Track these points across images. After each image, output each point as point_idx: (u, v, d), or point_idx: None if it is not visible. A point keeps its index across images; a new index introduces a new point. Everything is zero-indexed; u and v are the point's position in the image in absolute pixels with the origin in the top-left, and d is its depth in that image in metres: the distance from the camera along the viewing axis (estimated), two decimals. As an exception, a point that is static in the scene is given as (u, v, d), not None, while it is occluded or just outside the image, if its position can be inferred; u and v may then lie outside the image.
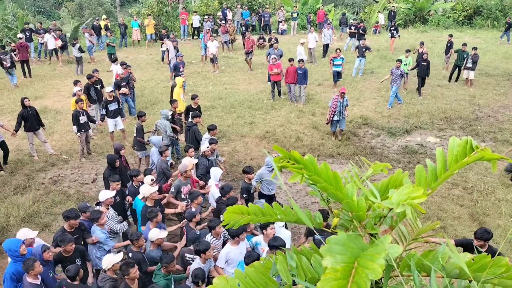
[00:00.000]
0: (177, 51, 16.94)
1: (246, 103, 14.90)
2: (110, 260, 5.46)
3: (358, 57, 17.57)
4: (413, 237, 2.20)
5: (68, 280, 5.34)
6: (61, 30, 20.89)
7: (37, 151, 11.09)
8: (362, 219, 1.82)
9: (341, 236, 1.51)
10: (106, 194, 6.96)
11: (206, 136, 9.57)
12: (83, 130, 10.62)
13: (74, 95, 11.52)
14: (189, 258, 6.12)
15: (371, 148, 11.88)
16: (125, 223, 7.14)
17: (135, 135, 10.01)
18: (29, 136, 10.74)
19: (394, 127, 13.09)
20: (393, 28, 21.58)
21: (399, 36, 21.88)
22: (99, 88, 12.43)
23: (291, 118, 13.66)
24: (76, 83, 12.21)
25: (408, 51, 15.65)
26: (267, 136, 12.45)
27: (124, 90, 12.70)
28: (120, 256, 5.55)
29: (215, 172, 8.25)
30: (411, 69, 15.49)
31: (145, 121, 10.18)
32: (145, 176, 7.57)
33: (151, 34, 23.22)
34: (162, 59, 20.17)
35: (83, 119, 10.52)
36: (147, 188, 7.02)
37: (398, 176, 2.18)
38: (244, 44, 18.95)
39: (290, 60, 14.56)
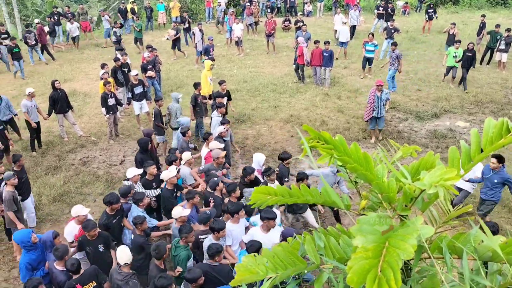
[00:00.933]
0: (203, 34, 16.93)
1: (270, 86, 14.84)
2: (127, 255, 5.43)
3: (386, 39, 17.16)
4: (444, 220, 2.17)
5: (55, 264, 5.52)
6: (87, 13, 21.18)
7: (67, 133, 11.38)
8: (393, 200, 1.80)
9: (372, 216, 1.50)
10: (134, 171, 7.24)
11: (214, 114, 9.85)
12: (111, 112, 10.82)
13: (101, 78, 11.71)
14: (202, 239, 6.12)
15: (398, 132, 11.69)
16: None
17: (153, 119, 10.16)
18: (59, 118, 11.01)
19: (422, 110, 12.82)
20: (431, 10, 20.73)
21: (436, 17, 21.08)
22: (126, 72, 12.58)
23: (316, 101, 13.54)
24: (103, 66, 12.39)
25: (458, 41, 14.53)
26: (292, 119, 12.40)
27: (150, 73, 12.82)
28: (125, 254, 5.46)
29: (258, 158, 8.15)
30: (458, 61, 14.18)
31: (162, 106, 10.24)
32: (168, 163, 7.68)
33: (176, 17, 23.24)
34: (186, 42, 20.21)
35: (111, 101, 10.71)
36: (166, 173, 7.16)
37: (429, 158, 2.14)
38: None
39: (316, 42, 14.36)
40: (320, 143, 1.84)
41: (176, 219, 6.29)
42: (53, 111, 10.81)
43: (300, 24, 18.49)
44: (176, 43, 17.84)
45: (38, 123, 10.59)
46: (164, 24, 24.05)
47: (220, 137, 8.74)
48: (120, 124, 11.88)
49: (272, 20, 18.49)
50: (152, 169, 7.34)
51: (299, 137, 11.54)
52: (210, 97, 11.63)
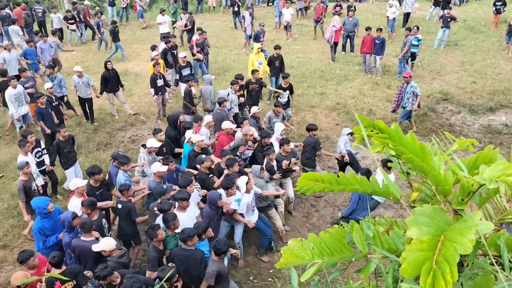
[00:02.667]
0: (253, 18, 16.88)
1: (318, 73, 14.64)
2: (108, 244, 5.47)
3: (441, 27, 16.40)
4: (500, 217, 2.08)
5: (83, 237, 5.68)
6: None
7: (117, 111, 11.79)
8: (448, 193, 1.74)
9: (427, 208, 1.47)
10: (153, 143, 7.67)
11: (222, 92, 9.90)
12: (159, 93, 11.09)
13: (152, 59, 11.98)
14: (156, 212, 6.34)
15: (449, 125, 11.25)
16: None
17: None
18: (110, 96, 11.42)
19: (476, 104, 12.25)
20: (499, 2, 18.97)
21: (504, 11, 19.54)
22: (175, 54, 12.80)
23: (364, 90, 13.24)
24: (154, 47, 12.66)
25: None
26: (338, 107, 12.21)
27: (198, 56, 12.98)
28: (113, 242, 5.51)
29: (278, 127, 8.61)
30: None
31: (193, 86, 10.42)
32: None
33: (226, 0, 23.29)
34: (235, 26, 20.25)
35: (160, 82, 10.96)
36: (195, 136, 7.58)
37: (489, 152, 2.05)
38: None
39: (367, 29, 13.98)
40: (374, 132, 1.80)
41: (154, 173, 6.79)
42: (105, 90, 11.21)
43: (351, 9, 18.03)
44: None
45: (90, 100, 11.08)
46: (214, 7, 24.19)
47: (254, 117, 9.10)
48: (167, 105, 12.15)
49: (321, 5, 18.15)
50: (160, 136, 7.90)
51: (344, 125, 11.37)
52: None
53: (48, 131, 9.14)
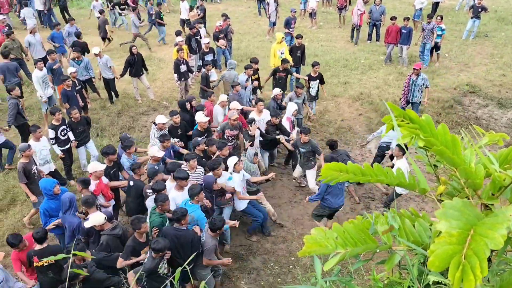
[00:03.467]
0: (277, 5, 16.71)
1: (342, 62, 14.46)
2: (98, 219, 5.66)
3: (471, 18, 15.91)
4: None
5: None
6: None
7: (141, 96, 11.91)
8: (478, 187, 1.71)
9: (457, 201, 1.44)
10: (161, 119, 7.97)
11: (242, 77, 9.96)
12: (182, 79, 11.14)
13: (176, 44, 12.02)
14: (149, 193, 6.50)
15: (476, 118, 11.00)
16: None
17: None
18: (134, 81, 11.54)
19: (505, 97, 11.91)
20: None
21: None
22: (199, 39, 12.81)
23: (389, 80, 13.02)
24: (179, 33, 12.69)
25: None
26: (361, 97, 12.06)
27: (221, 42, 12.95)
28: (102, 216, 5.69)
29: (290, 107, 8.82)
30: None
31: (210, 70, 10.54)
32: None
33: (250, -14, 23.12)
34: (259, 13, 20.10)
35: (183, 68, 11.00)
36: (199, 116, 7.94)
37: (521, 147, 1.99)
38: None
39: (392, 18, 13.67)
40: (404, 122, 1.77)
41: (151, 157, 7.01)
42: (126, 74, 11.32)
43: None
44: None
45: (112, 80, 11.33)
46: (238, -7, 24.03)
47: (274, 100, 9.18)
48: (190, 91, 12.20)
49: (346, -8, 17.84)
50: (176, 118, 8.10)
51: (367, 115, 11.25)
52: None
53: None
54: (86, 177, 6.61)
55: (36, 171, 7.20)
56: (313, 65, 10.40)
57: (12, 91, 8.79)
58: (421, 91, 10.04)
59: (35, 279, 5.72)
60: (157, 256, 5.09)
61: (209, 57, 11.68)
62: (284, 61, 10.55)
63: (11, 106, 8.72)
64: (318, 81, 10.37)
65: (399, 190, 7.26)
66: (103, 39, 15.52)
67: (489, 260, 1.74)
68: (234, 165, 6.79)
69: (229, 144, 7.80)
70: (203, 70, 11.14)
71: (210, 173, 6.68)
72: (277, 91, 9.19)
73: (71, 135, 8.37)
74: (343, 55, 15.03)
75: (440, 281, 1.59)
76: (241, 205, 7.01)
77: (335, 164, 2.45)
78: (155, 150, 7.07)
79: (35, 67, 9.98)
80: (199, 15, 16.36)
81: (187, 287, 5.89)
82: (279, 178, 8.98)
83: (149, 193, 6.47)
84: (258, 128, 8.32)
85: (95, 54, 11.06)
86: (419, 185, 2.35)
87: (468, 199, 1.86)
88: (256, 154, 7.53)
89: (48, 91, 10.18)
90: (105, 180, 6.84)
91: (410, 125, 1.74)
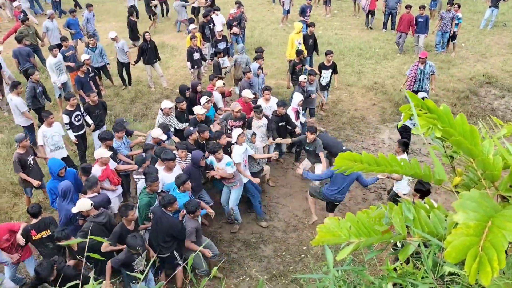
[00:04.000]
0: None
1: (356, 51, 14.29)
2: (83, 205, 5.72)
3: (490, 6, 15.55)
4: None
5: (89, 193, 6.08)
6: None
7: (154, 83, 11.94)
8: (496, 179, 1.68)
9: (474, 193, 1.42)
10: (167, 104, 8.08)
11: (254, 65, 9.93)
12: (195, 67, 11.13)
13: (189, 32, 11.99)
14: (136, 179, 6.74)
15: (491, 110, 10.82)
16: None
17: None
18: (147, 68, 11.57)
19: (523, 88, 11.69)
20: None
21: None
22: (212, 27, 12.76)
23: (404, 69, 12.83)
24: (192, 21, 12.65)
25: None
26: (375, 87, 11.93)
27: (235, 29, 12.88)
28: (89, 203, 5.73)
29: (295, 97, 8.81)
30: None
31: (221, 57, 10.62)
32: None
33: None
34: (273, 0, 19.93)
35: (196, 56, 10.99)
36: (197, 108, 7.94)
37: (541, 139, 1.95)
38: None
39: (407, 7, 13.42)
40: (422, 111, 1.74)
41: (152, 137, 7.31)
42: (141, 60, 11.37)
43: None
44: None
45: (127, 64, 11.46)
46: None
47: (300, 86, 9.16)
48: (202, 79, 12.20)
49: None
50: (182, 105, 8.24)
51: (381, 105, 11.14)
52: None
53: (87, 99, 9.39)
54: (87, 163, 6.71)
55: (32, 162, 7.26)
56: (326, 54, 10.26)
57: (32, 75, 8.92)
58: (429, 79, 9.88)
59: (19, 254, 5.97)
60: (133, 251, 5.16)
61: (222, 45, 11.64)
62: (298, 52, 10.47)
63: (27, 90, 8.90)
64: (330, 70, 10.23)
65: (400, 190, 7.10)
66: (150, 17, 16.10)
67: (505, 252, 1.72)
68: (238, 136, 6.95)
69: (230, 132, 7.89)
70: (224, 58, 11.19)
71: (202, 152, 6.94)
72: (302, 77, 9.13)
73: (88, 119, 8.49)
74: (357, 43, 14.85)
75: (455, 273, 1.58)
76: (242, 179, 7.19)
77: (349, 154, 2.43)
78: (159, 132, 7.29)
79: (50, 54, 10.06)
80: (207, 2, 16.28)
81: (178, 272, 6.00)
82: (290, 167, 8.97)
83: (136, 179, 6.75)
84: (266, 116, 8.30)
85: (112, 39, 11.22)
86: (435, 176, 2.33)
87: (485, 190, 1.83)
88: (254, 133, 7.59)
89: (62, 78, 10.27)
90: (113, 164, 6.95)
91: (428, 115, 1.71)
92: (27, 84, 8.98)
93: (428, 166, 2.37)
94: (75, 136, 8.32)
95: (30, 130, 8.88)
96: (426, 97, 9.66)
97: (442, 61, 13.27)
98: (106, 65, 11.25)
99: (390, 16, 15.59)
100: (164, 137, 7.34)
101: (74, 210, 5.72)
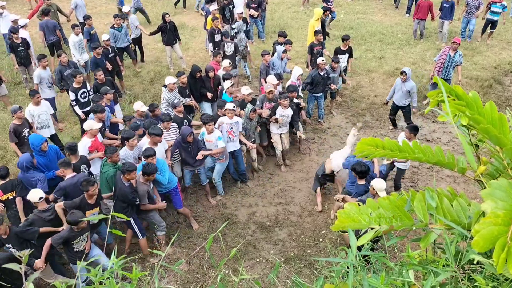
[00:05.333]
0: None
1: (378, 36, 14.02)
2: (33, 196, 5.61)
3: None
4: None
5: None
6: None
7: (174, 64, 11.95)
8: (525, 169, 1.65)
9: (503, 182, 1.39)
10: (170, 80, 8.24)
11: (279, 48, 9.76)
12: (217, 48, 11.06)
13: (210, 13, 11.91)
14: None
15: (517, 99, 10.55)
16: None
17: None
18: (167, 49, 11.57)
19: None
20: None
21: None
22: (231, 9, 12.64)
23: (426, 56, 12.58)
24: (208, 1, 12.55)
25: None
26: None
27: (253, 12, 12.74)
28: (38, 195, 5.63)
29: (295, 71, 8.84)
30: None
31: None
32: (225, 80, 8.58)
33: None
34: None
35: (217, 37, 10.91)
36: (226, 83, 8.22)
37: None
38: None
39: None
40: (451, 98, 1.71)
41: (135, 111, 7.61)
42: (155, 34, 11.48)
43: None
44: None
45: (138, 39, 11.63)
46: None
47: (318, 70, 9.09)
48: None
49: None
50: (183, 79, 8.47)
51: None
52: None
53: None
54: (72, 142, 6.81)
55: (27, 134, 7.36)
56: (343, 39, 10.21)
57: (59, 57, 9.17)
58: (454, 68, 9.69)
59: None
60: (76, 229, 5.19)
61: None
62: (316, 33, 10.33)
63: (55, 73, 9.21)
64: (347, 55, 10.21)
65: (399, 165, 7.24)
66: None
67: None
68: (226, 110, 7.22)
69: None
70: (251, 41, 11.09)
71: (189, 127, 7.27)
72: (320, 59, 9.07)
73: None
74: (379, 28, 14.57)
75: (478, 262, 1.57)
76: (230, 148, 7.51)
77: (371, 139, 2.41)
78: (139, 104, 7.59)
79: (73, 32, 10.14)
80: None
81: (160, 236, 6.40)
82: (307, 152, 8.94)
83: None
84: (292, 108, 8.28)
85: (125, 13, 11.45)
86: (458, 164, 2.29)
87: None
88: (254, 109, 7.59)
89: (84, 56, 10.37)
90: (100, 138, 7.11)
91: (456, 102, 1.68)
92: (56, 67, 9.21)
93: (452, 154, 2.33)
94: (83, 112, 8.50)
95: (53, 104, 9.08)
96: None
97: (466, 48, 12.94)
98: (129, 45, 11.30)
99: (414, 1, 15.21)
100: (144, 108, 7.59)
101: (27, 196, 5.69)
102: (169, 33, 11.24)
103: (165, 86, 8.42)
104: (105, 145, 7.11)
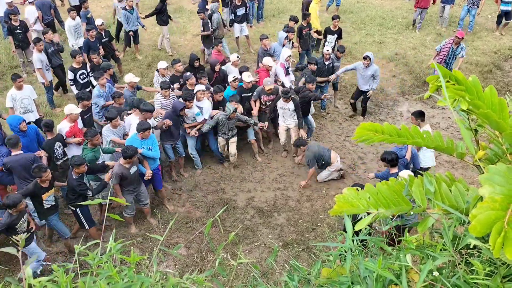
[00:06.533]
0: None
1: (378, 20, 13.91)
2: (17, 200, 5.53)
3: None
4: None
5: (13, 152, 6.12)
6: None
7: (172, 48, 11.84)
8: (524, 154, 1.64)
9: (502, 167, 1.39)
10: (162, 65, 8.44)
11: (281, 34, 9.76)
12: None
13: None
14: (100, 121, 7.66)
15: (516, 85, 10.52)
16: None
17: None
18: (164, 29, 11.52)
19: (550, 64, 11.30)
20: None
21: None
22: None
23: (426, 41, 12.49)
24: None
25: None
26: (396, 58, 11.66)
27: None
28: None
29: (283, 53, 8.86)
30: None
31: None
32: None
33: None
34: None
35: (215, 21, 10.83)
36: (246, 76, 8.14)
37: None
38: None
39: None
40: (450, 83, 1.69)
41: (127, 83, 7.81)
42: (151, 17, 11.44)
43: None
44: None
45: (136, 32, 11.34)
46: None
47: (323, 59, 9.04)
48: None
49: None
50: (178, 66, 8.46)
51: (401, 77, 10.93)
52: (318, 32, 11.15)
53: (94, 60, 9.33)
54: (49, 119, 6.85)
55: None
56: (333, 19, 10.19)
57: (45, 35, 9.19)
58: (456, 59, 9.58)
59: None
60: (14, 212, 5.19)
61: (241, 11, 11.42)
62: (305, 15, 10.34)
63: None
64: (336, 36, 10.15)
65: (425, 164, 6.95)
66: None
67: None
68: (197, 92, 7.52)
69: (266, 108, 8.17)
70: (236, 25, 10.98)
71: (181, 100, 7.41)
72: (326, 50, 9.02)
73: (92, 79, 8.61)
74: (379, 13, 14.43)
75: (475, 247, 1.57)
76: (204, 128, 7.63)
77: (370, 124, 2.39)
78: (131, 76, 7.88)
79: (69, 16, 10.03)
80: None
81: (126, 217, 6.52)
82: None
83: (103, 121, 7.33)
84: (294, 101, 8.21)
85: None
86: (457, 149, 2.29)
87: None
88: (235, 110, 7.50)
89: (80, 41, 10.25)
90: (80, 125, 7.10)
91: (456, 87, 1.66)
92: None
93: (451, 139, 2.33)
94: None
95: (47, 87, 9.06)
96: None
97: (466, 33, 12.84)
98: (141, 27, 11.26)
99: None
100: (137, 79, 7.86)
101: None
102: (166, 13, 11.26)
103: (158, 70, 8.50)
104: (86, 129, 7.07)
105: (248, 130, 8.17)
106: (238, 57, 9.00)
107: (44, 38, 9.05)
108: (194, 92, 7.61)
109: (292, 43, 10.04)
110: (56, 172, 6.59)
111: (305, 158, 7.47)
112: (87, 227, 6.17)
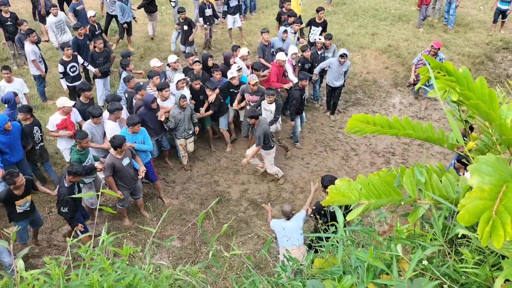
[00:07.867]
0: None
1: (371, 11, 13.90)
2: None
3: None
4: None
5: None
6: None
7: (164, 40, 11.78)
8: (512, 145, 1.66)
9: (491, 157, 1.40)
10: (173, 59, 8.47)
11: (281, 29, 9.71)
12: (207, 23, 10.96)
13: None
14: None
15: (506, 76, 10.59)
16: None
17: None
18: (152, 17, 11.63)
19: (541, 55, 11.38)
20: None
21: None
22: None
23: (419, 33, 12.51)
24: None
25: None
26: (389, 50, 11.67)
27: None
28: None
29: (290, 49, 8.84)
30: None
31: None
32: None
33: None
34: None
35: (208, 12, 10.81)
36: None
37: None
38: None
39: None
40: (440, 74, 1.70)
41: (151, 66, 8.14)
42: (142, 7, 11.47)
43: None
44: None
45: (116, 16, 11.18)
46: None
47: (315, 49, 9.12)
48: (213, 37, 12.00)
49: None
50: (191, 59, 8.55)
51: (394, 69, 10.96)
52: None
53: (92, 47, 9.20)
54: (28, 105, 6.87)
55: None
56: (317, 11, 10.11)
57: (20, 25, 9.29)
58: None
59: None
60: None
61: (234, 2, 11.36)
62: (282, 1, 10.47)
63: (16, 39, 9.42)
64: (320, 28, 10.07)
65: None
66: None
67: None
68: (178, 82, 7.48)
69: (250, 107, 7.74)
70: (229, 17, 10.95)
71: (153, 93, 7.34)
72: (317, 38, 9.16)
73: (91, 67, 8.69)
74: (372, 4, 14.42)
75: (465, 236, 1.59)
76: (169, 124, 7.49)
77: (362, 116, 2.41)
78: (155, 61, 8.21)
79: (51, 12, 9.73)
80: None
81: (119, 208, 6.53)
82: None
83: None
84: (277, 103, 8.16)
85: None
86: (448, 140, 2.31)
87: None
88: (183, 96, 7.28)
89: (65, 37, 9.89)
90: (79, 118, 7.02)
91: (446, 78, 1.67)
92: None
93: (442, 130, 2.34)
94: (68, 86, 8.46)
95: (39, 79, 8.97)
96: None
97: (458, 24, 12.88)
98: (133, 19, 11.19)
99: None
100: (160, 63, 8.14)
101: None
102: (154, 2, 11.44)
103: (168, 65, 8.46)
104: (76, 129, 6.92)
105: (221, 119, 8.13)
106: (248, 51, 8.92)
107: (20, 28, 9.15)
108: (175, 82, 7.56)
109: (298, 38, 9.99)
110: (35, 156, 6.73)
111: (256, 133, 7.13)
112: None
